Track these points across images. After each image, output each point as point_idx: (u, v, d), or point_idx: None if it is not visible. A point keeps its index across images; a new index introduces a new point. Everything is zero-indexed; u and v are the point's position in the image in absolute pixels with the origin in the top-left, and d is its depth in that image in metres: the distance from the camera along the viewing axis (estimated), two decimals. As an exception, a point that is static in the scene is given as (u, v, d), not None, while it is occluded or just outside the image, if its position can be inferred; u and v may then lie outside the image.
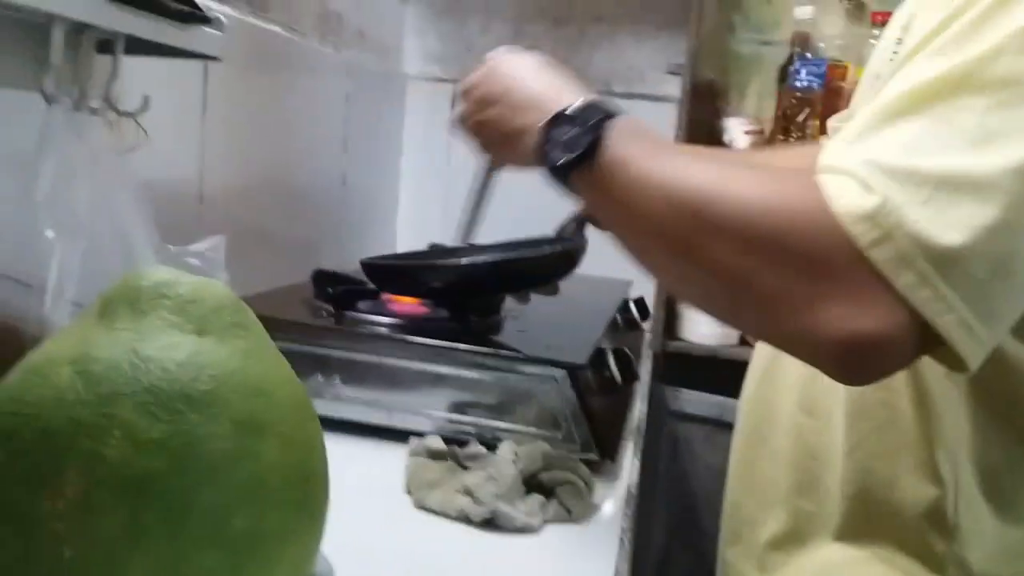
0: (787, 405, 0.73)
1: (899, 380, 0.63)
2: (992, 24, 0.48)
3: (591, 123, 0.56)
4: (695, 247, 0.51)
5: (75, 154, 0.58)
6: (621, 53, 1.72)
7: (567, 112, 0.57)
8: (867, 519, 0.66)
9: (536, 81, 0.63)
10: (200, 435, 0.37)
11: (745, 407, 0.80)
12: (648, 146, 0.55)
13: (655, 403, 1.44)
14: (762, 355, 0.80)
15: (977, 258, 0.46)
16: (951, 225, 0.46)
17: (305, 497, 0.42)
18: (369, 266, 0.95)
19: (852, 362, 0.49)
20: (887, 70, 0.61)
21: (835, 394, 0.68)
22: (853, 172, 0.48)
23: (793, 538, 0.71)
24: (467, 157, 1.92)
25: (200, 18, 0.67)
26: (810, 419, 0.71)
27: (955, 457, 0.62)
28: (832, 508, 0.68)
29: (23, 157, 0.58)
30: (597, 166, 0.55)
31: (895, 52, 0.64)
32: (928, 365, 0.54)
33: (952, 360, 0.49)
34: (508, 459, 0.70)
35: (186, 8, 0.65)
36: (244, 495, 0.38)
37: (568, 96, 0.59)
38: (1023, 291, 0.49)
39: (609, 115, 0.56)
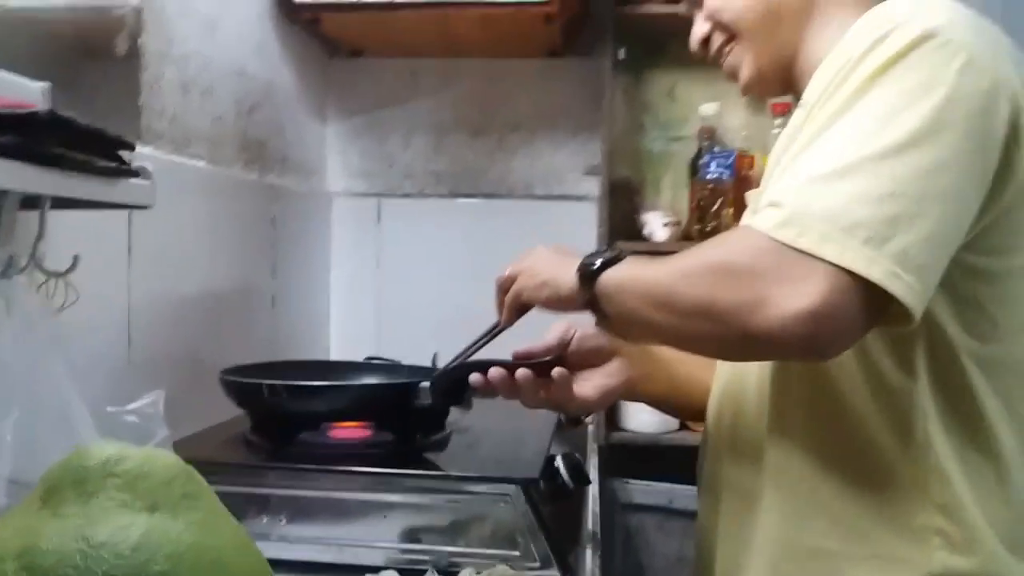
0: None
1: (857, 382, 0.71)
2: (853, 78, 0.65)
3: (609, 251, 0.76)
4: (672, 298, 0.67)
5: (3, 321, 0.56)
6: (539, 158, 1.78)
7: (592, 254, 0.76)
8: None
9: (566, 252, 0.82)
10: (160, 622, 0.36)
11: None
12: (646, 261, 0.73)
13: (605, 498, 1.43)
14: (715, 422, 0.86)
15: (878, 221, 0.60)
16: (847, 203, 0.60)
17: (271, 669, 0.40)
18: (227, 382, 0.93)
19: (814, 334, 0.60)
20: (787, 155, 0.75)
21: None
22: (771, 200, 0.64)
23: None
24: (397, 262, 1.93)
25: (127, 172, 0.68)
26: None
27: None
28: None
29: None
30: (615, 273, 0.73)
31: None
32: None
33: (898, 315, 0.61)
34: (469, 588, 0.69)
35: (113, 164, 0.65)
36: None
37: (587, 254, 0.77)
38: (927, 243, 0.61)
39: (622, 252, 0.75)
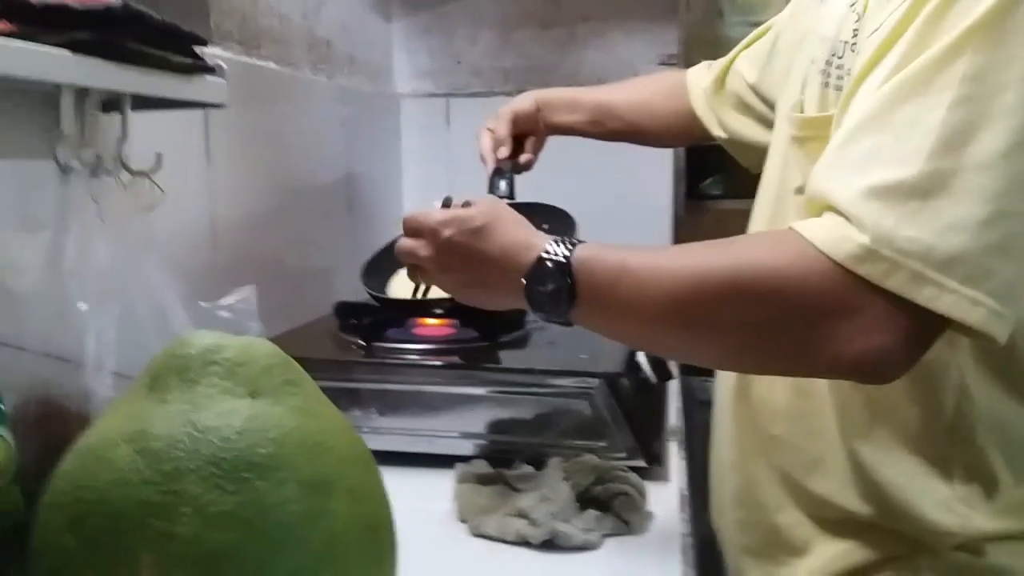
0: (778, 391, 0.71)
1: None
2: (949, 21, 0.50)
3: (563, 267, 0.57)
4: (709, 325, 0.54)
5: (96, 221, 0.57)
6: (612, 49, 1.71)
7: (535, 272, 0.58)
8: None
9: (494, 246, 0.61)
10: (270, 501, 0.36)
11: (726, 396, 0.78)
12: (623, 255, 0.57)
13: (686, 396, 1.43)
14: None
15: (980, 252, 0.48)
16: (946, 230, 0.48)
17: (377, 547, 0.41)
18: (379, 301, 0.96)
19: (881, 371, 0.52)
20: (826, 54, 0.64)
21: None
22: (837, 206, 0.51)
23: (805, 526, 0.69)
24: (468, 163, 1.90)
25: (203, 68, 0.67)
26: (804, 400, 0.68)
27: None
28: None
29: (42, 229, 0.57)
30: (590, 297, 0.57)
31: (853, 39, 0.61)
32: None
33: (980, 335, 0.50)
34: (559, 477, 0.69)
35: (189, 60, 0.64)
36: (321, 556, 0.37)
37: (527, 251, 0.59)
38: None
39: (569, 248, 0.57)
